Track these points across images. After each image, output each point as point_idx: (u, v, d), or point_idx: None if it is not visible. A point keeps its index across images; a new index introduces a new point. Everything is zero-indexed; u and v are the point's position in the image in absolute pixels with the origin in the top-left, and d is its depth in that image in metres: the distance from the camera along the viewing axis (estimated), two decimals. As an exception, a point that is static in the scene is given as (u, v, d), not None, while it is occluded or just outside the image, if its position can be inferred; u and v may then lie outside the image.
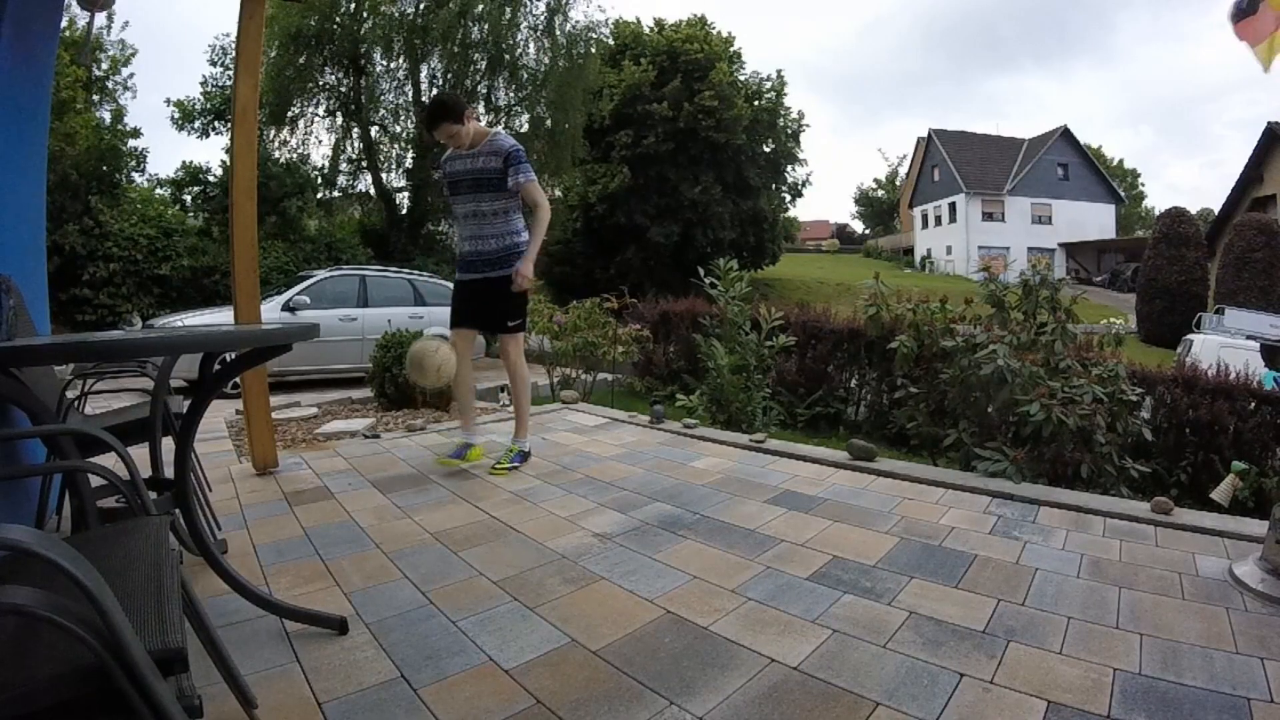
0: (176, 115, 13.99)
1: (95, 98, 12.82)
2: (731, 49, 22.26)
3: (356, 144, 16.05)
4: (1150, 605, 1.85)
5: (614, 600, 1.86)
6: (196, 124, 14.03)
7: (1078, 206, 33.50)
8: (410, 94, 15.79)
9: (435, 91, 15.58)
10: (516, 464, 3.18)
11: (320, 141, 19.17)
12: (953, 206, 34.91)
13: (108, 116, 12.88)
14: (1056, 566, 2.11)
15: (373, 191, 16.75)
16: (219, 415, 4.43)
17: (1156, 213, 27.46)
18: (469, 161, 3.15)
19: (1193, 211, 20.31)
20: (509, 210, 3.19)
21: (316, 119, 15.40)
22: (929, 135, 37.77)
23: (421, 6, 14.65)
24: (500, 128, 3.42)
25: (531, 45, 15.79)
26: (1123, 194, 38.22)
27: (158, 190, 13.37)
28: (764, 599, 1.87)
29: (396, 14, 14.66)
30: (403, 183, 16.61)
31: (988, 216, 33.65)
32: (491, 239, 3.18)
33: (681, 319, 7.49)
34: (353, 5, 14.61)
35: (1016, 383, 3.41)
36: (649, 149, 20.04)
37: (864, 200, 53.26)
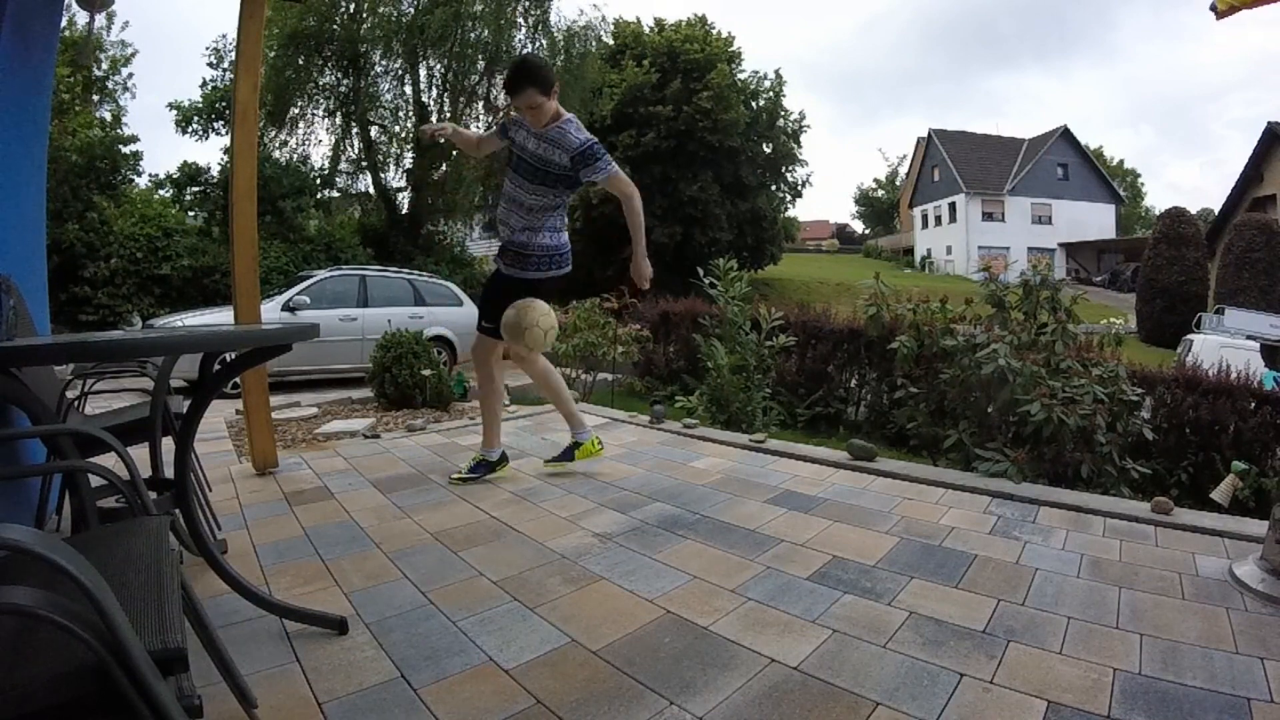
0: (178, 118, 14.01)
1: (95, 98, 12.83)
2: (731, 49, 22.25)
3: (356, 144, 16.06)
4: (1150, 605, 1.84)
5: (614, 600, 1.86)
6: (195, 125, 14.02)
7: (1078, 206, 33.52)
8: (410, 94, 15.81)
9: (435, 91, 15.58)
10: (478, 474, 2.98)
11: (320, 141, 19.16)
12: (953, 206, 34.93)
13: (107, 116, 12.91)
14: (1056, 566, 2.11)
15: (372, 191, 16.75)
16: (219, 415, 4.43)
17: (1156, 213, 27.52)
18: (536, 143, 2.78)
19: (1193, 211, 20.37)
20: (548, 209, 2.84)
21: (316, 119, 15.42)
22: (929, 135, 37.81)
23: (420, 5, 14.64)
24: (572, 115, 3.07)
25: (530, 45, 15.79)
26: (1123, 194, 38.24)
27: (158, 191, 13.38)
28: (764, 599, 1.87)
29: (395, 14, 14.66)
30: (402, 183, 16.62)
31: (988, 216, 33.68)
32: (517, 231, 2.85)
33: (681, 319, 7.47)
34: (352, 6, 14.61)
35: (1017, 383, 3.41)
36: (650, 146, 20.02)
37: (864, 200, 53.30)
